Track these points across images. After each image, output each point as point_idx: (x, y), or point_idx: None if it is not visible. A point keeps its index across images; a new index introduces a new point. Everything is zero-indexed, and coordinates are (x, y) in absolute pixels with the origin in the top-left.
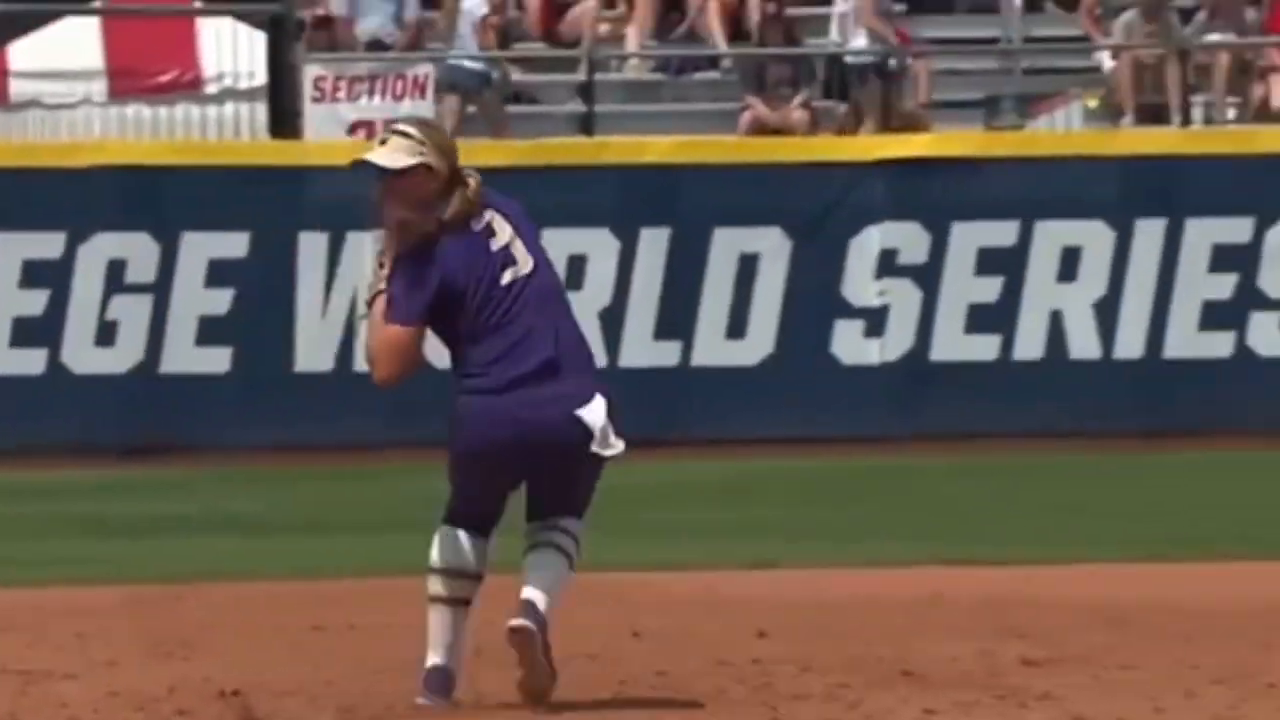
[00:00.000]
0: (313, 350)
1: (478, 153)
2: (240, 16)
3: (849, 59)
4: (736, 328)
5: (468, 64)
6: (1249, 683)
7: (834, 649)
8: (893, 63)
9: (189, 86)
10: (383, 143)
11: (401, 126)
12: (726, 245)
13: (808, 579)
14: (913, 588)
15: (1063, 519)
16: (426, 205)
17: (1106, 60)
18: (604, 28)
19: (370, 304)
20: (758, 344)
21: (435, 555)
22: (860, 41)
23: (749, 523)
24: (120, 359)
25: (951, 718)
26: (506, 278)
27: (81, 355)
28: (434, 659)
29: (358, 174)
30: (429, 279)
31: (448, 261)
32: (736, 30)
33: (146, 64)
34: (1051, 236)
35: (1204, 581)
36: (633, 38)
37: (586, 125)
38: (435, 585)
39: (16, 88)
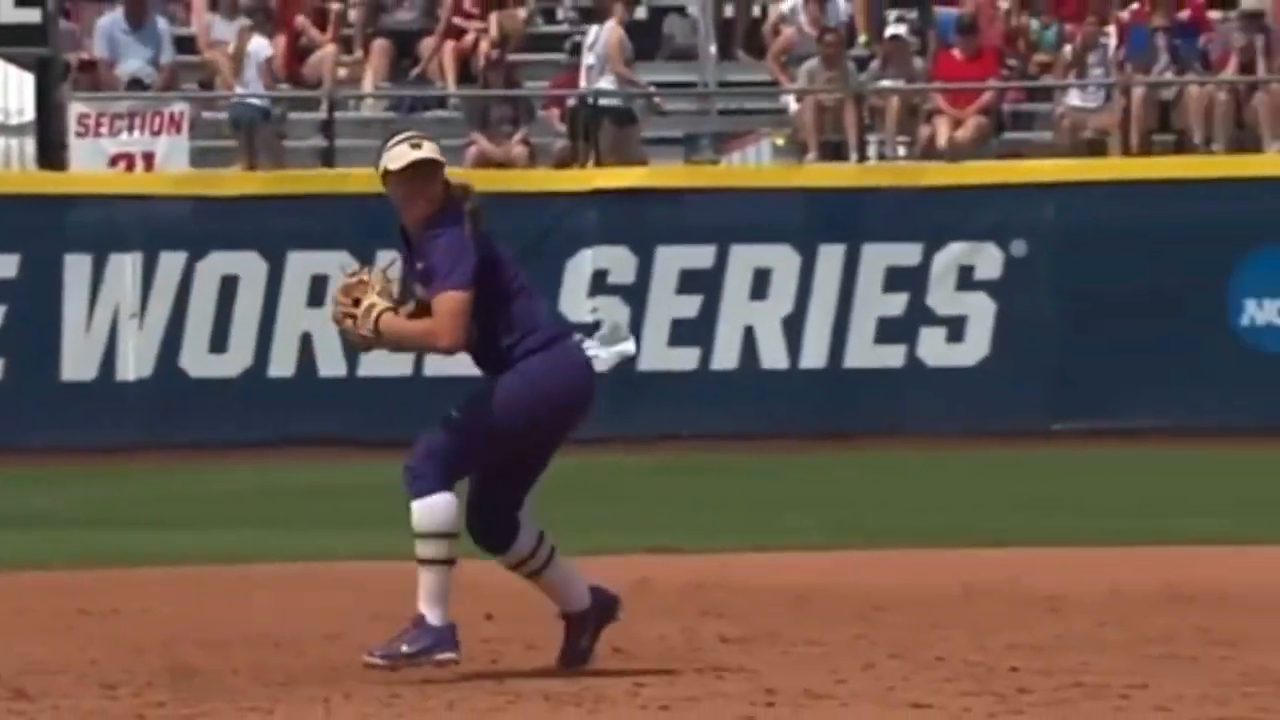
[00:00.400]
0: (78, 361)
1: (231, 183)
2: (10, 59)
3: (601, 101)
4: None
5: (251, 101)
6: (919, 656)
7: (555, 631)
8: (639, 104)
9: None
10: (416, 146)
11: (416, 134)
12: None
13: None
14: (623, 573)
15: (756, 511)
16: (434, 199)
17: (792, 103)
18: (343, 71)
19: (376, 322)
20: None
21: (441, 521)
22: (607, 86)
23: None
24: None
25: (658, 689)
26: (507, 253)
27: None
28: (448, 619)
29: (117, 204)
30: (468, 248)
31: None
32: (465, 73)
33: None
34: (744, 259)
35: (880, 567)
36: (369, 80)
37: (328, 158)
38: (441, 550)
39: None
